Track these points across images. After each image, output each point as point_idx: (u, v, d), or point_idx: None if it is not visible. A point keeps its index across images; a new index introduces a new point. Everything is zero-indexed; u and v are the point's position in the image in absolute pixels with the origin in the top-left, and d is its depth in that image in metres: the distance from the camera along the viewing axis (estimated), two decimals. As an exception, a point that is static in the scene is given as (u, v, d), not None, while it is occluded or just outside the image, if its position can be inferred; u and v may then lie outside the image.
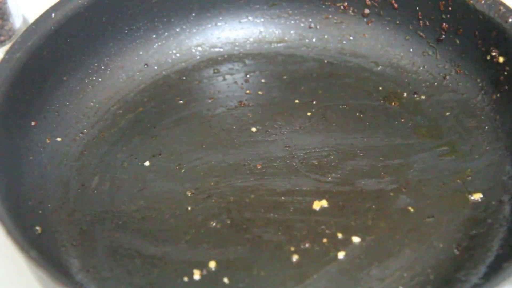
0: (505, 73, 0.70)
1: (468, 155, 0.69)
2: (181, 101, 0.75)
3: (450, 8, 0.74)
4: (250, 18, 0.81)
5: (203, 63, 0.79)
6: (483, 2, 0.71)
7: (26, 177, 0.64)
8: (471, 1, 0.71)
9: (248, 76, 0.78)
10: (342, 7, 0.80)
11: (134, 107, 0.75)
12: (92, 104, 0.74)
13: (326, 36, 0.81)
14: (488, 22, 0.70)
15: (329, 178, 0.67)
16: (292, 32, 0.82)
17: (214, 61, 0.80)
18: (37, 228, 0.61)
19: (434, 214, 0.64)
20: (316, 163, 0.69)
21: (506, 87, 0.70)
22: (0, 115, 0.62)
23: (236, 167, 0.69)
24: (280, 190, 0.67)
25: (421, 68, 0.77)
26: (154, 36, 0.79)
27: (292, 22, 0.82)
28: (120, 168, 0.69)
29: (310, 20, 0.81)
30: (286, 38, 0.81)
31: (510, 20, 0.69)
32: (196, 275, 0.61)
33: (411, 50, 0.78)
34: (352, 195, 0.66)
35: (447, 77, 0.75)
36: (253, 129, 0.72)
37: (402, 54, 0.78)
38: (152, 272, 0.61)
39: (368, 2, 0.78)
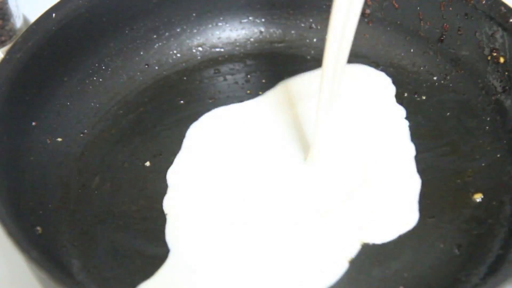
0: (506, 73, 0.70)
1: (469, 155, 0.69)
2: (181, 102, 0.75)
3: (450, 9, 0.74)
4: (250, 18, 0.81)
5: (204, 63, 0.79)
6: (483, 2, 0.70)
7: (27, 178, 0.64)
8: (472, 1, 0.71)
9: (249, 76, 0.78)
10: (342, 7, 0.80)
11: (135, 107, 0.75)
12: (92, 104, 0.74)
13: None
14: (489, 22, 0.70)
15: (330, 178, 0.68)
16: (292, 32, 0.81)
17: (214, 61, 0.79)
18: (38, 228, 0.61)
19: (434, 214, 0.64)
20: (317, 164, 0.69)
21: (507, 87, 0.70)
22: (0, 116, 0.62)
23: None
24: (280, 190, 0.67)
25: (421, 68, 0.77)
26: (154, 36, 0.79)
27: (293, 22, 0.81)
28: (121, 168, 0.69)
29: (311, 20, 0.81)
30: (286, 38, 0.81)
31: (511, 20, 0.69)
32: (197, 276, 0.61)
33: (412, 50, 0.78)
34: (353, 196, 0.66)
35: (448, 77, 0.75)
36: (254, 129, 0.72)
37: (402, 54, 0.78)
38: (153, 272, 0.61)
39: (369, 2, 0.78)
